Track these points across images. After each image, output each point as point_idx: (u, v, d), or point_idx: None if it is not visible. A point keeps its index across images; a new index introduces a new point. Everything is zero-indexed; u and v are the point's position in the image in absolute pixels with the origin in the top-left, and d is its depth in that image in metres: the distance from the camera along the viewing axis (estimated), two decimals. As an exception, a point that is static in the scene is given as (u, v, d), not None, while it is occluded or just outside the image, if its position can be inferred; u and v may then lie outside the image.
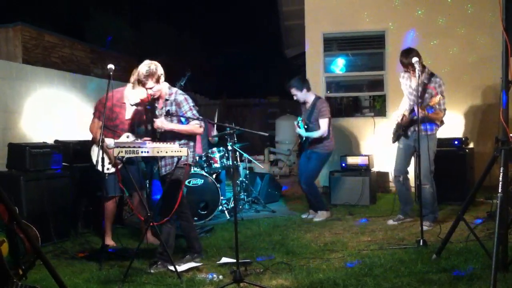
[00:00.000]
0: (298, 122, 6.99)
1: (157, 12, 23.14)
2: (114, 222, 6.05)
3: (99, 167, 5.09)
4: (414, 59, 5.48)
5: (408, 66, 6.06)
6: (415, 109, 5.83)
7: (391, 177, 7.37)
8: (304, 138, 6.96)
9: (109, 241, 5.78)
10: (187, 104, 4.91)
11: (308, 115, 6.93)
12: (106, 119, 5.47)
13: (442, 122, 6.18)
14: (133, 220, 6.99)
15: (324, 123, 6.79)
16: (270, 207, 7.92)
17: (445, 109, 6.05)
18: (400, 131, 6.29)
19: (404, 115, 6.28)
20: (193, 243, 5.11)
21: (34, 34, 11.84)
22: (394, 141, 6.47)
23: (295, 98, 7.02)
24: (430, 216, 6.03)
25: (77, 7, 19.24)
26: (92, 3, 19.47)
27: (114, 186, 5.63)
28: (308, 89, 6.99)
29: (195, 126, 4.90)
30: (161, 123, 4.84)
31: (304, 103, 7.05)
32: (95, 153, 5.63)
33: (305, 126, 6.92)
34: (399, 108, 6.49)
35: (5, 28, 11.55)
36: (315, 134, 6.81)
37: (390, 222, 6.37)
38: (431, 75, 6.03)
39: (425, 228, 5.81)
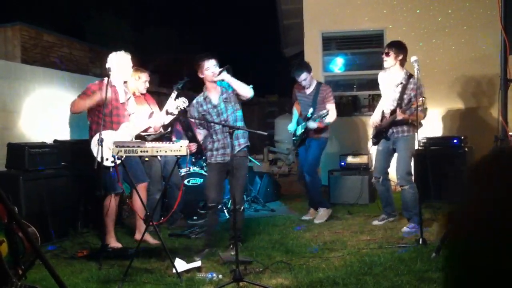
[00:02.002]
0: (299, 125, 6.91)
1: (156, 12, 23.12)
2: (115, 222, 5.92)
3: (100, 161, 5.10)
4: (413, 58, 5.46)
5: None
6: (397, 110, 5.86)
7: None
8: (302, 132, 6.83)
9: (114, 243, 5.67)
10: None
11: (313, 101, 6.75)
12: (98, 107, 5.49)
13: (420, 123, 6.08)
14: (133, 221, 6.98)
15: (333, 107, 6.70)
16: (270, 206, 7.93)
17: (426, 108, 5.90)
18: (383, 134, 6.17)
19: (384, 117, 6.17)
20: (213, 236, 5.39)
21: (33, 34, 11.83)
22: (374, 144, 6.36)
23: (303, 83, 6.78)
24: (414, 218, 5.85)
25: (76, 7, 19.23)
26: (92, 3, 19.46)
27: (113, 183, 5.50)
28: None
29: (247, 86, 5.33)
30: (226, 76, 5.23)
31: (304, 89, 6.88)
32: (95, 143, 5.38)
33: (309, 116, 6.69)
34: (375, 111, 6.41)
35: (4, 28, 11.53)
36: (331, 120, 6.65)
37: (375, 222, 6.36)
38: (410, 76, 5.95)
39: (406, 229, 5.81)
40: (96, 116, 5.54)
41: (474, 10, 8.76)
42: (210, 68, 5.26)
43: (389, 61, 6.04)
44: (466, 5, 8.82)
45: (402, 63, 6.05)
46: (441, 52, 8.92)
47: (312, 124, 6.63)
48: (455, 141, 7.58)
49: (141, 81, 6.51)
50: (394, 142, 6.08)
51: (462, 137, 7.62)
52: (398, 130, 6.03)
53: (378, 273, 4.27)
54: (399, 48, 6.05)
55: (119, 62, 5.73)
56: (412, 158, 6.12)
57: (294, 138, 7.05)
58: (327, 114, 6.51)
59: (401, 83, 5.97)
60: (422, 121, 5.98)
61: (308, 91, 6.84)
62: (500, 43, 4.16)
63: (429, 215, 6.37)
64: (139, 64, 6.30)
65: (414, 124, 5.91)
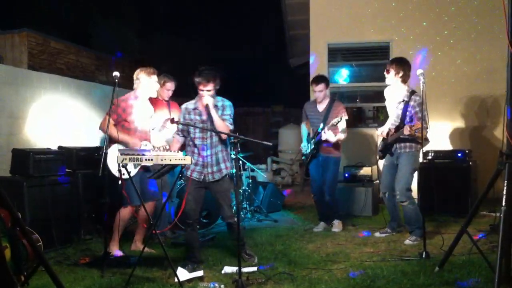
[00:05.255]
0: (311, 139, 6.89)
1: (163, 20, 23.24)
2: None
3: (115, 172, 5.08)
4: (419, 71, 5.47)
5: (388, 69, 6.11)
6: (406, 128, 5.77)
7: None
8: (313, 148, 6.80)
9: (116, 251, 5.63)
10: (230, 110, 5.23)
11: (325, 116, 6.73)
12: (124, 121, 5.61)
13: (426, 140, 6.00)
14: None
15: (344, 124, 6.67)
16: (272, 217, 7.91)
17: (427, 126, 5.81)
18: (388, 151, 6.18)
19: (390, 131, 6.18)
20: (195, 253, 5.16)
21: (40, 40, 11.91)
22: (381, 158, 6.37)
23: (317, 94, 6.82)
24: (416, 231, 5.90)
25: (83, 14, 19.34)
26: (98, 11, 19.57)
27: (134, 195, 5.29)
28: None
29: (226, 124, 5.10)
30: (209, 100, 5.06)
31: (315, 103, 6.92)
32: (114, 154, 5.24)
33: (319, 130, 6.65)
34: (385, 124, 6.38)
35: (11, 34, 11.62)
36: (342, 136, 6.66)
37: (377, 234, 6.37)
38: (412, 92, 5.98)
39: (408, 242, 5.81)
40: (120, 130, 5.61)
41: (481, 24, 8.77)
42: (204, 92, 5.08)
43: (390, 78, 6.10)
44: (473, 19, 8.83)
45: (404, 79, 6.04)
46: (446, 65, 8.92)
47: (326, 134, 6.58)
48: (459, 154, 7.57)
49: (164, 88, 6.56)
50: (397, 158, 6.08)
51: (467, 151, 7.61)
52: (401, 145, 6.04)
53: (381, 286, 4.25)
54: (399, 64, 6.06)
55: (146, 78, 5.79)
56: (414, 175, 6.09)
57: (303, 157, 6.99)
58: (340, 121, 6.48)
59: (403, 101, 6.01)
60: (428, 137, 5.98)
61: (321, 108, 6.85)
62: (506, 57, 4.16)
63: (433, 228, 6.34)
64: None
65: (418, 141, 5.91)
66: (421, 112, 5.68)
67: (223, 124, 5.07)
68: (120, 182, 4.86)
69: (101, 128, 5.77)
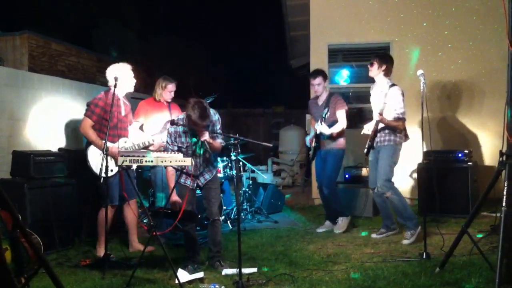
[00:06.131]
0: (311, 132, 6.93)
1: (163, 21, 23.27)
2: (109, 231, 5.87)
3: (103, 173, 5.06)
4: (419, 72, 5.48)
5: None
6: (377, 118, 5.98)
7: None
8: (315, 143, 6.84)
9: (101, 252, 5.63)
10: (219, 123, 5.27)
11: (324, 111, 6.75)
12: (103, 120, 5.57)
13: (406, 136, 6.14)
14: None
15: (342, 114, 6.71)
16: (273, 218, 7.90)
17: (404, 119, 6.09)
18: (369, 143, 6.26)
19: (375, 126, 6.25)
20: (195, 253, 5.17)
21: (41, 42, 11.93)
22: (366, 154, 6.41)
23: (315, 88, 6.85)
24: (408, 223, 5.94)
25: (84, 17, 19.37)
26: (99, 13, 19.60)
27: (110, 194, 5.55)
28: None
29: (219, 141, 5.26)
30: (207, 136, 5.04)
31: (316, 99, 6.96)
32: (92, 154, 5.59)
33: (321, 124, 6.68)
34: (368, 124, 6.43)
35: (12, 36, 11.65)
36: (337, 128, 6.66)
37: (374, 236, 6.36)
38: (392, 85, 6.13)
39: (405, 241, 5.81)
40: (99, 129, 5.62)
41: (481, 24, 8.76)
42: (204, 130, 5.07)
43: (373, 71, 6.29)
44: (473, 19, 8.82)
45: (386, 73, 6.27)
46: (447, 66, 8.91)
47: (320, 127, 6.63)
48: (460, 155, 7.56)
49: (166, 90, 6.58)
50: (378, 152, 6.15)
51: (467, 151, 7.60)
52: (381, 140, 6.15)
53: (382, 287, 4.25)
54: (383, 58, 6.30)
55: (122, 74, 5.73)
56: (393, 167, 6.14)
57: (310, 152, 7.03)
58: (327, 113, 6.59)
59: (382, 92, 6.10)
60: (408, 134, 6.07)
61: (320, 102, 6.90)
62: (507, 57, 4.16)
63: (433, 229, 6.34)
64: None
65: (397, 135, 6.06)
66: (398, 103, 5.92)
67: (218, 144, 5.18)
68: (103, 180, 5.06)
69: (81, 131, 5.75)
